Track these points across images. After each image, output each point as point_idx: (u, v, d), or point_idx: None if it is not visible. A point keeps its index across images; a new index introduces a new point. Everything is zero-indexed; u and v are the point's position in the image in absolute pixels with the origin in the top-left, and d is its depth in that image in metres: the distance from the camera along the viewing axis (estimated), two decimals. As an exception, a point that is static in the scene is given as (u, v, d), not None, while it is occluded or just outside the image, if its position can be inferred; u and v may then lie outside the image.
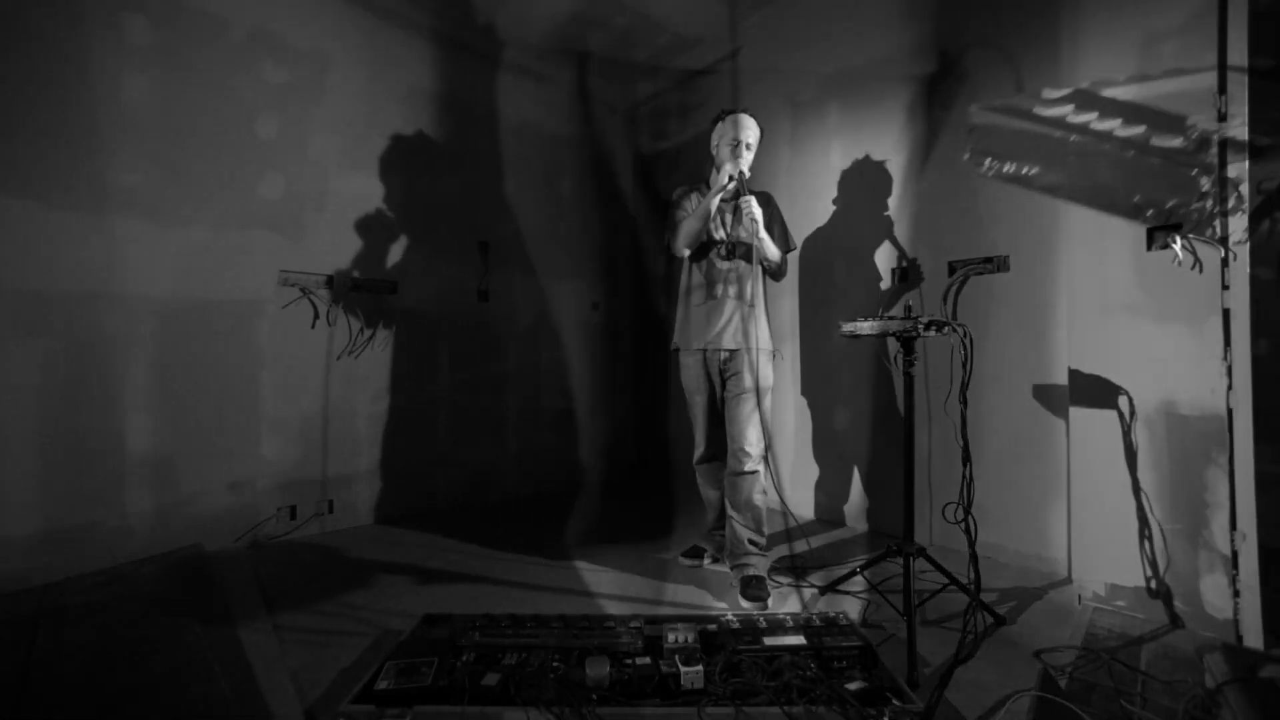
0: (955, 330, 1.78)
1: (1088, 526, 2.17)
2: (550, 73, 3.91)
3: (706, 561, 2.51)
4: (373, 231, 3.15)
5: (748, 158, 2.33)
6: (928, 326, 1.79)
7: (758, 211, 2.22)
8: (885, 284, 2.92)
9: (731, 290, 2.34)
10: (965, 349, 1.78)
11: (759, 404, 2.29)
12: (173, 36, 2.56)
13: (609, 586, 2.28)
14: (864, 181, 3.01)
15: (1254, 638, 1.79)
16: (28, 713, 1.44)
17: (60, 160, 2.31)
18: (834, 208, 3.14)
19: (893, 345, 2.81)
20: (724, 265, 2.35)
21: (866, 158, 2.99)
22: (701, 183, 2.48)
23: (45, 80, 2.28)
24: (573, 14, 3.42)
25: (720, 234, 2.37)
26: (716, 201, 2.29)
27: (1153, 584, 2.00)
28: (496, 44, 3.62)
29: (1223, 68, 1.86)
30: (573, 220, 4.10)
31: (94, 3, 2.38)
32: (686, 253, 2.38)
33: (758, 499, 2.27)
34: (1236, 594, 1.83)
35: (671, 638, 1.62)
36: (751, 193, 2.23)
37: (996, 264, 2.53)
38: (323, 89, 2.98)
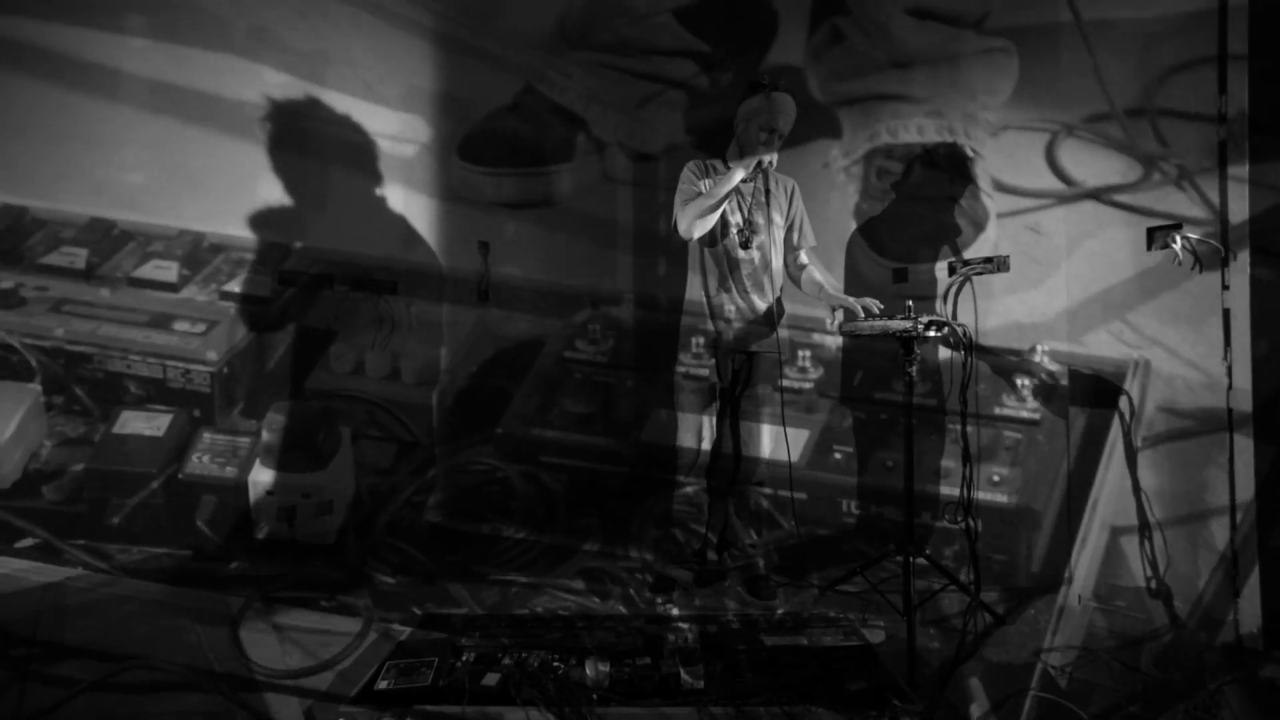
0: (956, 330, 1.78)
1: (1088, 527, 2.16)
2: (551, 72, 3.90)
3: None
4: (372, 231, 3.15)
5: (776, 146, 2.01)
6: (928, 326, 1.79)
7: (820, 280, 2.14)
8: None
9: (749, 283, 2.12)
10: (965, 349, 1.78)
11: (781, 411, 2.15)
12: (173, 36, 2.55)
13: (608, 586, 2.27)
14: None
15: (1254, 638, 1.80)
16: (28, 712, 1.44)
17: (61, 160, 2.31)
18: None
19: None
20: (741, 255, 2.08)
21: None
22: (717, 159, 2.20)
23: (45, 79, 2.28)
24: (574, 13, 3.41)
25: (736, 218, 2.05)
26: (730, 190, 1.96)
27: (1153, 584, 2.00)
28: (497, 43, 3.61)
29: (1223, 68, 1.86)
30: (573, 220, 4.09)
31: (94, 1, 2.38)
32: (695, 235, 2.04)
33: (764, 504, 2.28)
34: (1236, 594, 1.83)
35: (671, 638, 1.62)
36: (768, 189, 1.96)
37: (997, 264, 2.52)
38: (323, 88, 2.98)
